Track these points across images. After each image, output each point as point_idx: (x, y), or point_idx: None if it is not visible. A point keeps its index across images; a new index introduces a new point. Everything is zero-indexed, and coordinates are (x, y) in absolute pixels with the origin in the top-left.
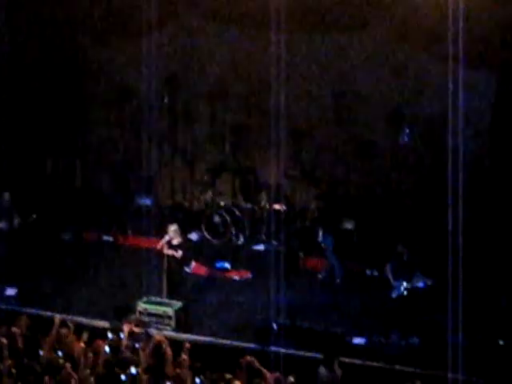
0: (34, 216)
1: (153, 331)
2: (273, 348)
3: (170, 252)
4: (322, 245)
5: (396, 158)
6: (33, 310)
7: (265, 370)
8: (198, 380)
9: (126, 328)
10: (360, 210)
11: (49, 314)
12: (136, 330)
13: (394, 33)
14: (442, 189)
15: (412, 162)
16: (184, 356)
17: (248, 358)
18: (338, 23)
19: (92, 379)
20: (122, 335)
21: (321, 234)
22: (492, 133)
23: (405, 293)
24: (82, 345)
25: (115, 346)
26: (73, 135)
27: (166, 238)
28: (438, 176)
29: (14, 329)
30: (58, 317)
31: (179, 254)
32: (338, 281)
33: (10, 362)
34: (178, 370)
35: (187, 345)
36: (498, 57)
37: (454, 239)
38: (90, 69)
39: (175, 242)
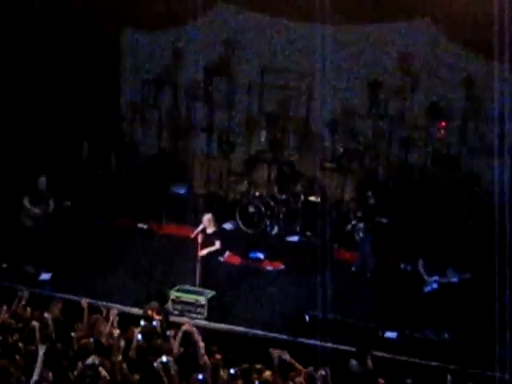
0: (69, 202)
1: (180, 319)
2: (305, 340)
3: (208, 248)
4: (358, 238)
5: (433, 152)
6: (67, 296)
7: (296, 363)
8: (231, 370)
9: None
10: (396, 204)
11: (82, 299)
12: (157, 317)
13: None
14: (478, 183)
15: (448, 156)
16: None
17: (279, 351)
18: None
19: (124, 365)
20: (154, 323)
21: (359, 227)
22: None
23: (437, 288)
24: (117, 331)
25: (148, 333)
26: (108, 121)
27: (201, 226)
28: (474, 171)
29: (46, 314)
30: (85, 302)
31: (217, 245)
32: (369, 275)
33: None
34: (210, 360)
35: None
36: None
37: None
38: (127, 54)
39: (209, 230)
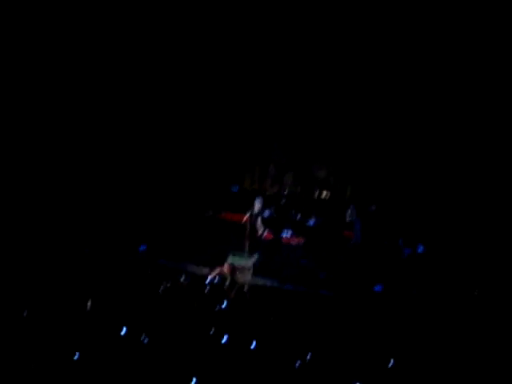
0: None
1: (237, 277)
2: (318, 291)
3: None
4: (351, 220)
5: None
6: (159, 262)
7: None
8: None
9: (223, 268)
10: (383, 195)
11: (171, 264)
12: (227, 272)
13: None
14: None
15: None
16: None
17: None
18: None
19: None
20: (215, 279)
21: (352, 212)
22: None
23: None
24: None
25: (215, 285)
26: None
27: (249, 213)
28: None
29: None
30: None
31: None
32: (361, 247)
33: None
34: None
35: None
36: None
37: None
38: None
39: (256, 209)
